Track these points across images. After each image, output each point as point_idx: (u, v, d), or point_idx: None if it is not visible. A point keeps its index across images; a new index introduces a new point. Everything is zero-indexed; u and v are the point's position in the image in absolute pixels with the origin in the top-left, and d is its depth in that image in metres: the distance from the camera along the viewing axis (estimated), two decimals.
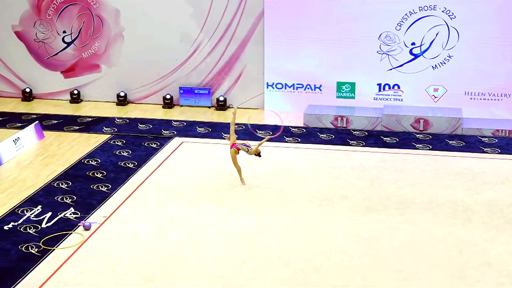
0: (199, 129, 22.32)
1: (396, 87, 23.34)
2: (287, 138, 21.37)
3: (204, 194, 17.31)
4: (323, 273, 13.68)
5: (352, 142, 21.15)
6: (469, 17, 22.32)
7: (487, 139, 21.32)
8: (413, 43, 22.88)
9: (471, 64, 22.65)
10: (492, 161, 19.55)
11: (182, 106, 24.64)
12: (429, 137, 21.62)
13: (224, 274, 13.64)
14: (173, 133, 21.87)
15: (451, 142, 21.13)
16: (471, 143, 20.98)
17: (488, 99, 22.81)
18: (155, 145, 20.77)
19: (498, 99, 22.75)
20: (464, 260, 14.17)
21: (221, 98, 24.25)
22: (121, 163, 19.35)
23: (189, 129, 22.26)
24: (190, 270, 13.78)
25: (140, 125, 22.60)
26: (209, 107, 24.50)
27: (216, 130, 22.13)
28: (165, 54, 24.40)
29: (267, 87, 24.08)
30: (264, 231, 15.37)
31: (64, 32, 24.96)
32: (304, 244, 14.80)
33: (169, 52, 24.36)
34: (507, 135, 21.56)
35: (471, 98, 22.93)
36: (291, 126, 22.41)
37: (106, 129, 22.23)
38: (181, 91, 24.52)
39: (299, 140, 21.33)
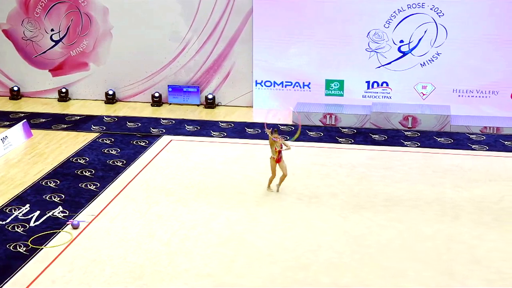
0: (188, 127, 22.29)
1: (384, 85, 23.37)
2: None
3: (193, 192, 17.29)
4: (312, 271, 13.69)
5: (341, 139, 21.17)
6: (457, 14, 22.38)
7: (475, 136, 21.39)
8: (401, 41, 22.92)
9: (459, 61, 22.71)
10: (480, 158, 19.61)
11: (170, 104, 24.59)
12: (418, 134, 21.66)
13: (213, 272, 13.63)
14: (162, 131, 21.82)
15: (439, 139, 21.19)
16: (460, 140, 21.04)
17: (476, 96, 22.88)
18: (144, 143, 20.73)
19: (486, 96, 22.82)
20: (453, 257, 14.20)
21: (210, 96, 24.23)
22: (109, 162, 19.30)
23: (177, 127, 22.22)
24: (179, 268, 13.76)
25: (129, 124, 22.54)
26: (197, 105, 24.46)
27: (205, 128, 22.10)
28: (154, 52, 24.35)
29: (256, 85, 24.06)
30: (253, 229, 15.36)
31: (52, 30, 24.87)
32: (293, 241, 14.80)
33: (157, 50, 24.31)
34: (495, 132, 21.64)
35: (459, 96, 22.99)
36: (280, 124, 22.40)
37: (94, 127, 22.16)
38: (170, 89, 24.47)
39: (288, 138, 21.25)
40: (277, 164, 16.97)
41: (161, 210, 16.30)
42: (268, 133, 16.96)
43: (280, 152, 16.87)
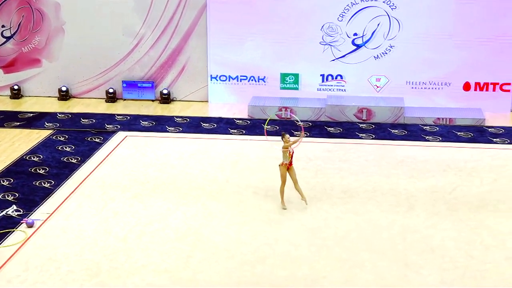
0: (143, 122, 22.16)
1: (339, 78, 23.52)
2: (232, 130, 21.37)
3: (149, 188, 17.21)
4: (269, 264, 13.74)
5: (296, 133, 21.24)
6: (410, 7, 22.61)
7: (428, 127, 21.65)
8: (355, 34, 23.08)
9: (412, 54, 22.96)
10: (433, 149, 19.86)
11: (125, 99, 24.42)
12: (373, 126, 21.85)
13: (170, 267, 13.59)
14: (117, 127, 21.66)
15: (393, 131, 21.40)
16: (413, 132, 21.29)
17: (429, 88, 23.16)
18: (99, 139, 20.55)
19: (439, 88, 23.11)
20: (408, 247, 14.38)
21: (165, 91, 24.12)
22: (64, 159, 19.09)
23: (133, 123, 22.08)
24: (136, 264, 13.69)
25: (83, 120, 22.33)
26: (152, 101, 24.33)
27: (160, 124, 22.00)
28: (107, 48, 24.13)
29: (211, 80, 24.02)
30: (210, 224, 15.36)
31: (3, 26, 24.48)
32: (250, 235, 14.84)
33: (111, 45, 24.10)
34: (447, 123, 21.93)
35: (412, 88, 23.25)
36: (235, 118, 22.40)
37: (48, 124, 21.90)
38: (124, 85, 24.30)
39: (244, 132, 21.35)
40: (288, 169, 15.91)
41: (117, 206, 16.19)
42: (285, 140, 15.91)
43: (292, 155, 15.96)
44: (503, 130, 21.28)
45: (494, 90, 22.95)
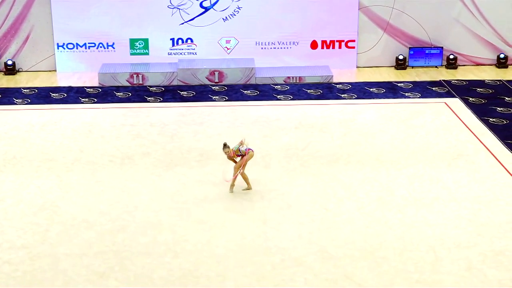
0: None
1: (189, 41, 23.47)
2: (83, 99, 20.90)
3: None
4: (130, 232, 13.66)
5: (149, 98, 21.09)
6: None
7: (279, 86, 22.05)
8: None
9: (259, 14, 23.22)
10: (285, 108, 20.28)
11: None
12: (225, 88, 22.01)
13: (28, 243, 13.23)
14: None
15: (246, 92, 21.65)
16: (265, 92, 21.63)
17: (278, 48, 23.55)
18: None
19: (287, 47, 23.55)
20: (266, 205, 14.70)
21: (9, 62, 23.17)
22: None
23: None
24: None
25: None
26: None
27: (6, 96, 21.16)
28: None
29: (58, 48, 23.30)
30: (66, 196, 15.04)
31: None
32: (109, 204, 14.67)
33: None
34: (297, 81, 22.43)
35: (262, 48, 23.56)
36: (86, 87, 21.92)
37: None
38: None
39: (96, 100, 20.94)
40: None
41: None
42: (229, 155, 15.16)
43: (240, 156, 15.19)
44: (350, 86, 22.03)
45: (340, 47, 23.65)
